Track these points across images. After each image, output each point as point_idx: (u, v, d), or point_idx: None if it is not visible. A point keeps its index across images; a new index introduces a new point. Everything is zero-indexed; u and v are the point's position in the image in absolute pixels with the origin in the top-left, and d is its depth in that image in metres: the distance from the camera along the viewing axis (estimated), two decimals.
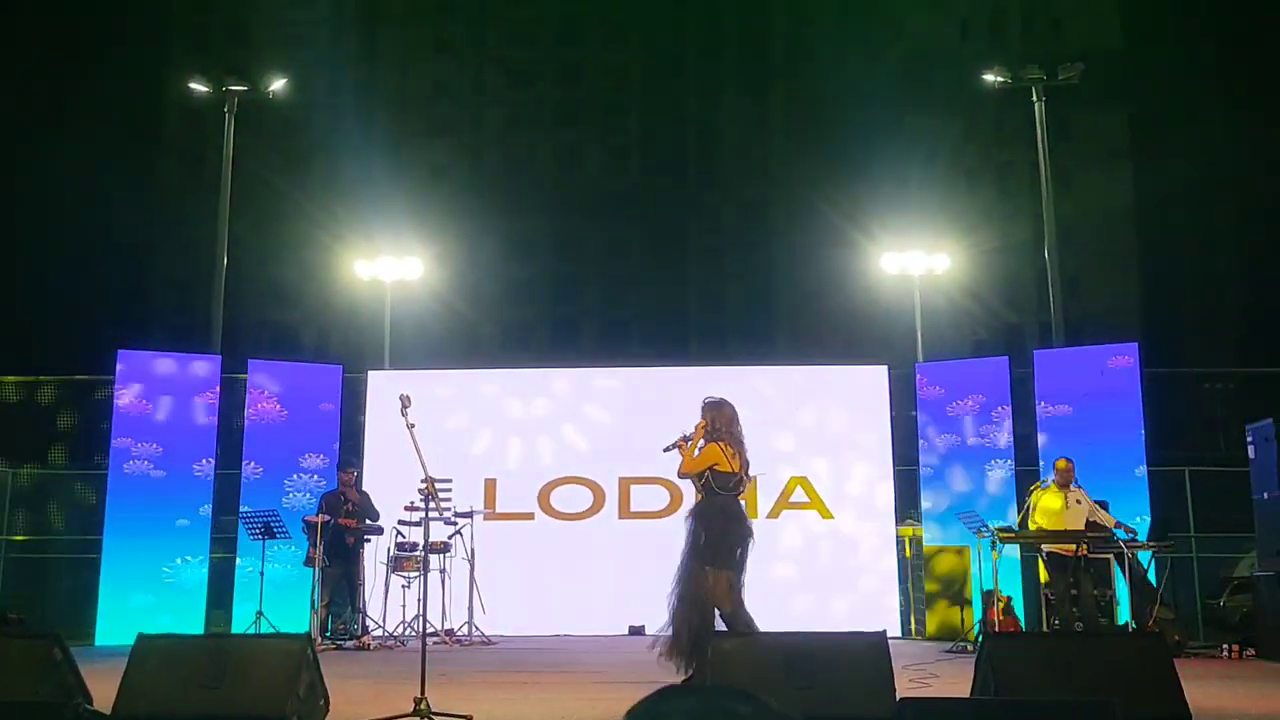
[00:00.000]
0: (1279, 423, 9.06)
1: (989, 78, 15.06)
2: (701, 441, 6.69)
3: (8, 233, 28.51)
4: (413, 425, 5.36)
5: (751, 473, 6.83)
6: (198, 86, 14.99)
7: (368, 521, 10.77)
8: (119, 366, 11.60)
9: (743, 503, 6.80)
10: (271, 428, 11.78)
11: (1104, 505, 9.89)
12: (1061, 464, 9.88)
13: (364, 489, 11.15)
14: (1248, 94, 31.23)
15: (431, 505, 5.67)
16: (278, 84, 15.18)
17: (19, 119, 29.30)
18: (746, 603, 6.48)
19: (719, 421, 6.69)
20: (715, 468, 6.58)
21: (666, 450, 6.80)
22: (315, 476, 11.68)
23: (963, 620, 10.73)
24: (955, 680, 6.80)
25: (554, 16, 40.11)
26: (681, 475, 6.79)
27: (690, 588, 6.42)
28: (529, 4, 40.00)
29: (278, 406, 11.84)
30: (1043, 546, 9.62)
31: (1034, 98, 14.66)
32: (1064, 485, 9.73)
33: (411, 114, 38.71)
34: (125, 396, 11.49)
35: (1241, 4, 32.01)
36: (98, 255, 30.17)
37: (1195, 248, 33.45)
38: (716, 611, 6.35)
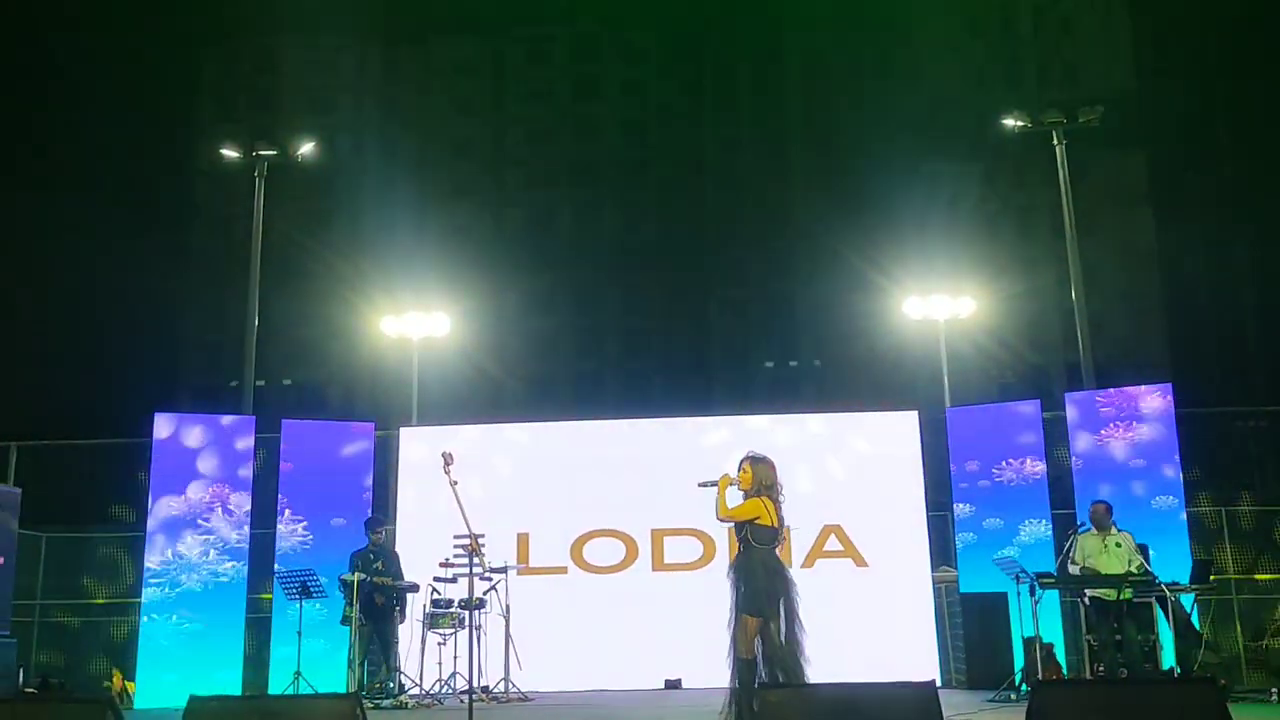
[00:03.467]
0: None
1: (1009, 122, 15.13)
2: (740, 494, 6.79)
3: (41, 299, 28.95)
4: (455, 483, 5.39)
5: (786, 525, 6.93)
6: (228, 152, 15.30)
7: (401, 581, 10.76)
8: (155, 428, 11.72)
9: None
10: (306, 486, 11.84)
11: (1144, 549, 9.77)
12: (1097, 507, 9.80)
13: (394, 549, 11.15)
14: (1265, 129, 31.25)
15: (475, 561, 5.68)
16: (305, 148, 15.47)
17: (53, 186, 29.89)
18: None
19: (766, 478, 6.85)
20: (756, 521, 6.70)
21: (701, 485, 6.89)
22: (351, 535, 11.66)
23: (1003, 668, 10.57)
24: None
25: (570, 74, 40.72)
26: (720, 519, 6.89)
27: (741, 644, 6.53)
28: (545, 62, 40.65)
29: (311, 465, 11.91)
30: (1085, 591, 9.50)
31: (1054, 141, 14.71)
32: (1101, 528, 9.64)
33: (434, 174, 39.24)
34: (161, 458, 11.59)
35: (1255, 41, 32.13)
36: (131, 319, 30.60)
37: (1221, 285, 33.28)
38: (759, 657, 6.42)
